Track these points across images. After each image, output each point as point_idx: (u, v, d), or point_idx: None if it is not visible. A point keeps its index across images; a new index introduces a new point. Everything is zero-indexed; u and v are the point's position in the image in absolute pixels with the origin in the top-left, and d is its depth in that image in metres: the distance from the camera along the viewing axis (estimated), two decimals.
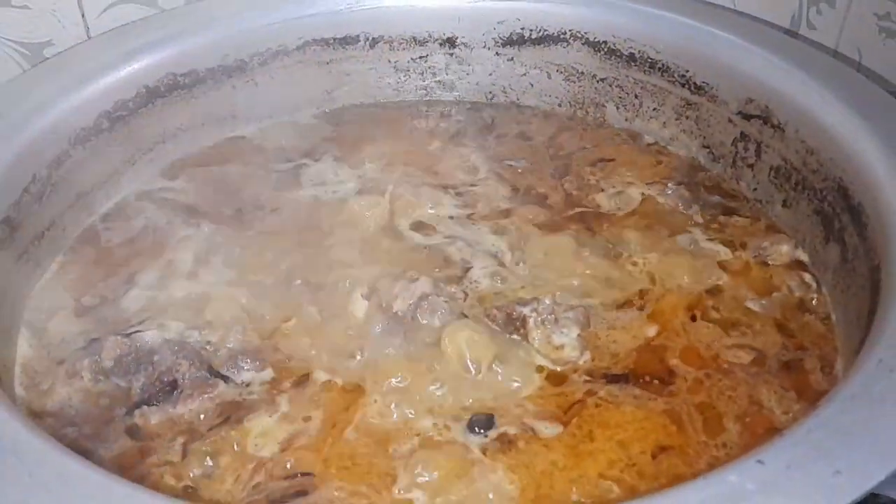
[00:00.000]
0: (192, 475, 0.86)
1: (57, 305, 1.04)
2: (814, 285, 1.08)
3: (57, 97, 1.11)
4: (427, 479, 0.85)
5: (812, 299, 1.06)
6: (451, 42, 1.37)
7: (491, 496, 0.83)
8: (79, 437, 0.90)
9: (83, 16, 1.26)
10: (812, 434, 0.71)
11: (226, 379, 0.95)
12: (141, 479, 0.85)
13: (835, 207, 1.06)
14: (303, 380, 0.95)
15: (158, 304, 1.04)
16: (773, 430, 0.90)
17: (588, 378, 0.95)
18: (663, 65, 1.27)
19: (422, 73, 1.39)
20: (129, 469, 0.86)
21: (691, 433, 0.90)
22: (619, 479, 0.85)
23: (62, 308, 1.04)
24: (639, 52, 1.28)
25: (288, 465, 0.87)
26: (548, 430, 0.90)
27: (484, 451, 0.88)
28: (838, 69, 1.16)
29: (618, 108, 1.34)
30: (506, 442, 0.89)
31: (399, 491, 0.84)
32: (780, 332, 1.02)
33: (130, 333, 0.99)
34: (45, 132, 1.08)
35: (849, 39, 1.27)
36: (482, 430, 0.90)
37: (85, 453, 0.86)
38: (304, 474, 0.86)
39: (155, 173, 1.24)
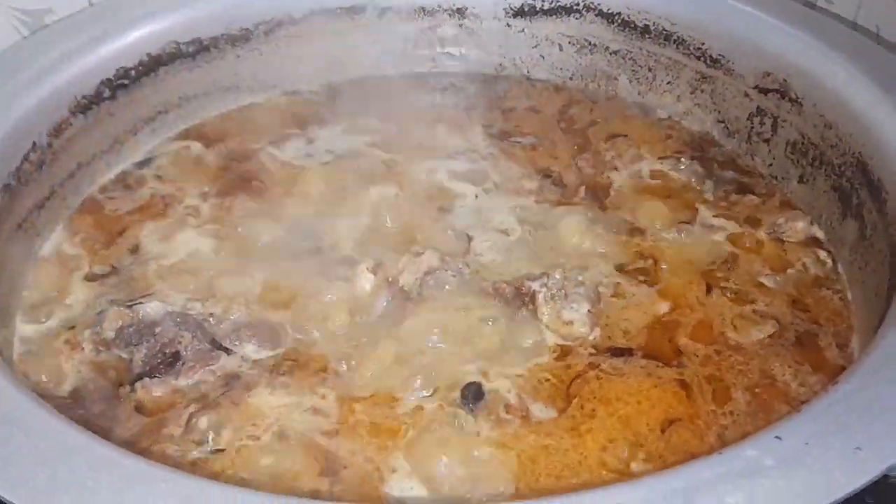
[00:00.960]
0: (194, 447, 0.85)
1: (57, 276, 1.03)
2: (829, 262, 1.06)
3: (57, 64, 1.09)
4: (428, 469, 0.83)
5: (827, 276, 1.04)
6: (460, 12, 1.34)
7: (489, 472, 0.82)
8: (81, 408, 0.88)
9: None
10: (831, 409, 0.69)
11: (228, 351, 0.93)
12: (145, 451, 0.84)
13: (853, 183, 1.04)
14: (306, 353, 0.94)
15: (160, 276, 1.02)
16: (785, 404, 0.88)
17: (594, 352, 0.94)
18: (678, 37, 1.24)
19: (430, 44, 1.36)
20: (132, 441, 0.85)
21: (701, 404, 0.88)
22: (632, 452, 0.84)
23: (62, 278, 1.02)
24: (653, 23, 1.25)
25: (291, 439, 0.85)
26: (549, 409, 0.88)
27: (481, 429, 0.86)
28: (858, 41, 1.13)
29: (631, 81, 1.31)
30: (503, 418, 0.87)
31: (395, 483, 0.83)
32: (795, 309, 0.99)
33: (132, 304, 0.97)
34: (46, 100, 1.06)
35: (867, 12, 1.23)
36: (472, 402, 0.88)
37: (87, 425, 0.84)
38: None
39: (158, 143, 1.22)
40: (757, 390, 0.90)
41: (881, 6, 1.20)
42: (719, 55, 1.21)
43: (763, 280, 1.03)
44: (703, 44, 1.22)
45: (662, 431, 0.85)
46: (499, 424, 0.86)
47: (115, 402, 0.89)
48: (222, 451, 0.84)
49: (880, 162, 0.99)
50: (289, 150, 1.22)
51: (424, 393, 0.89)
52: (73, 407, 0.88)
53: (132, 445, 0.84)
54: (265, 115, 1.29)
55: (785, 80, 1.13)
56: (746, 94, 1.19)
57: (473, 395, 0.88)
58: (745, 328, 0.97)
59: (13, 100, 1.03)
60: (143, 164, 1.19)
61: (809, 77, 1.10)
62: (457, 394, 0.89)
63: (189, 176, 1.17)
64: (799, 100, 1.12)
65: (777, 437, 0.66)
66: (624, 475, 0.81)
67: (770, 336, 0.96)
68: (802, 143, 1.13)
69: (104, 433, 0.84)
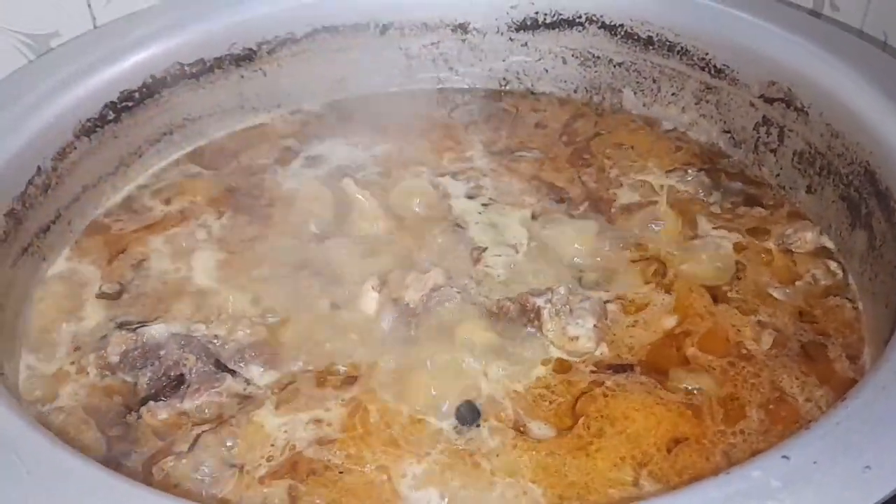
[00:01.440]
0: (201, 471, 0.84)
1: (62, 300, 1.03)
2: (840, 273, 1.05)
3: (61, 88, 1.09)
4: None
5: (838, 287, 1.02)
6: (463, 28, 1.33)
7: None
8: (85, 432, 0.88)
9: (89, 5, 1.24)
10: (840, 427, 0.67)
11: (233, 373, 0.93)
12: (150, 476, 0.83)
13: (861, 192, 1.02)
14: (312, 373, 0.93)
15: (165, 298, 1.02)
16: (797, 420, 0.87)
17: (596, 369, 0.93)
18: (682, 48, 1.23)
19: (434, 60, 1.36)
20: (138, 465, 0.85)
21: (709, 423, 0.87)
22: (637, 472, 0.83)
23: (67, 302, 1.02)
24: (657, 34, 1.25)
25: (295, 460, 0.85)
26: (553, 428, 0.87)
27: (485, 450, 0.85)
28: (864, 49, 1.12)
29: (635, 93, 1.31)
30: (505, 438, 0.86)
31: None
32: (805, 321, 0.98)
33: (136, 328, 0.97)
34: (50, 123, 1.06)
35: (874, 20, 1.23)
36: (469, 421, 0.87)
37: (90, 449, 0.85)
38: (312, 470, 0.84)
39: (163, 165, 1.23)
40: (770, 406, 0.89)
41: (888, 13, 1.19)
42: (724, 65, 1.20)
43: (772, 292, 1.02)
44: (707, 54, 1.21)
45: (668, 451, 0.84)
46: (501, 444, 0.85)
47: (121, 426, 0.88)
48: (228, 472, 0.84)
49: (888, 171, 0.98)
50: (294, 169, 1.21)
51: (430, 412, 0.88)
52: (76, 430, 0.87)
53: (138, 469, 0.84)
54: (270, 135, 1.29)
55: (790, 89, 1.12)
56: (752, 104, 1.18)
57: (469, 413, 0.88)
58: (755, 341, 0.96)
59: (17, 125, 1.03)
60: (148, 186, 1.19)
61: (814, 86, 1.09)
62: (456, 412, 0.88)
63: (194, 197, 1.16)
64: (805, 109, 1.11)
65: (784, 456, 0.65)
66: (631, 496, 0.80)
67: (780, 349, 0.94)
68: (809, 153, 1.11)
69: (107, 457, 0.84)
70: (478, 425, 0.87)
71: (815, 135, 1.10)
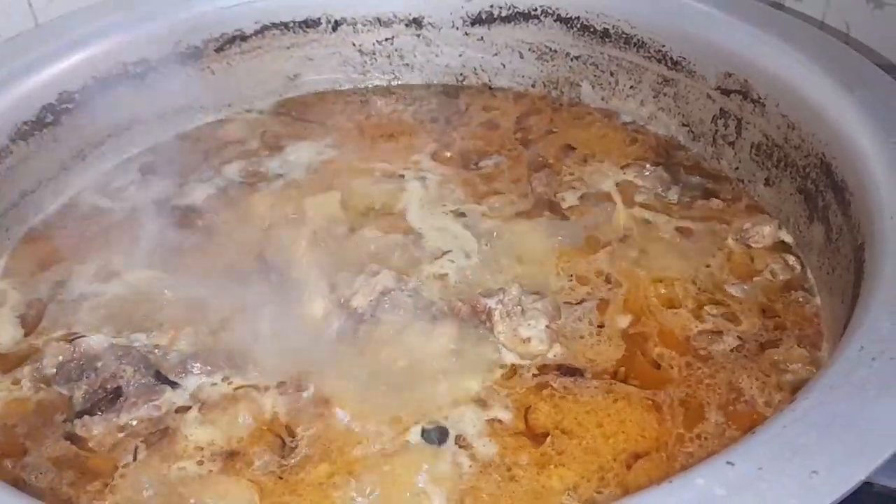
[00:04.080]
0: (136, 487, 0.81)
1: None
2: (798, 268, 1.02)
3: None
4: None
5: (797, 282, 1.00)
6: (417, 22, 1.31)
7: None
8: (15, 450, 0.84)
9: (30, 4, 1.21)
10: (787, 430, 0.65)
11: (173, 385, 0.90)
12: (81, 497, 0.80)
13: (818, 185, 1.00)
14: (256, 383, 0.90)
15: (105, 307, 0.99)
16: (756, 420, 0.85)
17: (551, 370, 0.90)
18: (639, 40, 1.21)
19: (388, 56, 1.33)
20: (69, 485, 0.81)
21: (671, 425, 0.85)
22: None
23: (2, 313, 0.99)
24: (613, 27, 1.22)
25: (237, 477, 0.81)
26: (506, 435, 0.84)
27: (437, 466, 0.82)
28: (823, 40, 1.09)
29: (593, 86, 1.28)
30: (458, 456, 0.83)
31: None
32: (764, 317, 0.96)
33: (73, 339, 0.93)
34: None
35: (836, 11, 1.21)
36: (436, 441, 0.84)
37: (21, 468, 0.82)
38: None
39: (107, 169, 1.19)
40: (729, 408, 0.86)
41: (850, 5, 1.17)
42: (680, 57, 1.18)
43: (730, 289, 0.99)
44: (663, 46, 1.19)
45: (628, 467, 0.81)
46: (454, 462, 0.82)
47: (53, 442, 0.85)
48: (165, 488, 0.81)
49: (844, 163, 0.95)
50: (241, 170, 1.18)
51: (378, 425, 0.85)
52: (6, 447, 0.84)
53: (67, 490, 0.80)
54: (220, 135, 1.25)
55: (746, 81, 1.10)
56: (709, 96, 1.16)
57: (437, 435, 0.84)
58: (712, 339, 0.94)
59: None
60: (91, 190, 1.16)
61: (770, 77, 1.07)
62: (415, 428, 0.85)
63: (138, 201, 1.13)
64: (761, 100, 1.09)
65: (729, 462, 0.62)
66: None
67: (737, 347, 0.92)
68: (767, 145, 1.09)
69: (36, 477, 0.81)
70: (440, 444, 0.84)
71: (773, 126, 1.08)
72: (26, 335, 0.96)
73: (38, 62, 1.10)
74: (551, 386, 0.88)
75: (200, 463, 0.83)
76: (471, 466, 0.82)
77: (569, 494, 0.79)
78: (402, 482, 0.80)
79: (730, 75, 1.12)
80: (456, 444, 0.83)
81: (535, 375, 0.90)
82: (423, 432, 0.84)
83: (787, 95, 1.05)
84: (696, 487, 0.61)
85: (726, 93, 1.13)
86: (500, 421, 0.86)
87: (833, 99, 0.99)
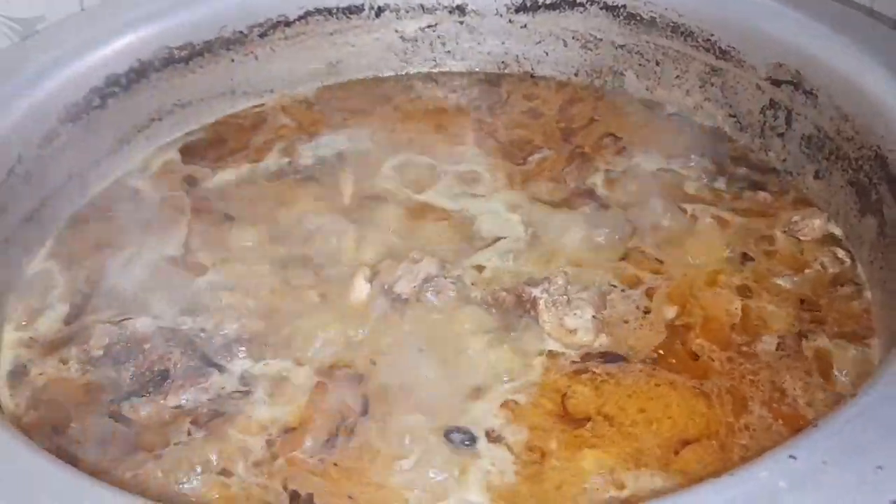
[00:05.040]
0: (183, 471, 0.81)
1: (45, 292, 1.00)
2: (848, 261, 1.01)
3: (44, 72, 1.06)
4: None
5: (846, 276, 0.99)
6: (460, 9, 1.30)
7: None
8: (65, 428, 0.85)
9: None
10: (849, 425, 0.64)
11: (220, 368, 0.90)
12: (130, 478, 0.80)
13: (871, 178, 0.99)
14: (301, 367, 0.90)
15: (152, 290, 0.99)
16: (801, 418, 0.84)
17: (599, 359, 0.89)
18: (686, 29, 1.19)
19: (430, 43, 1.32)
20: (115, 464, 0.81)
21: (720, 414, 0.84)
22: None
23: (51, 294, 0.99)
24: (660, 15, 1.21)
25: (284, 461, 0.82)
26: (550, 424, 0.84)
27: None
28: (875, 28, 1.08)
29: (638, 76, 1.27)
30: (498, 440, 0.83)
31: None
32: (813, 311, 0.94)
33: (121, 321, 0.94)
34: (33, 109, 1.04)
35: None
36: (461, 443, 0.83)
37: (70, 446, 0.82)
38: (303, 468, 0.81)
39: (151, 151, 1.19)
40: (773, 404, 0.85)
41: None
42: (729, 46, 1.16)
43: (779, 281, 0.98)
44: (712, 35, 1.17)
45: (676, 453, 0.81)
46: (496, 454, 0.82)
47: (101, 421, 0.85)
48: (214, 471, 0.81)
49: None
50: (282, 156, 1.18)
51: (419, 417, 0.85)
52: (56, 426, 0.85)
53: (115, 470, 0.81)
54: (263, 121, 1.25)
55: (798, 71, 1.08)
56: (758, 87, 1.14)
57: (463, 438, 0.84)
58: (760, 331, 0.92)
59: None
60: (136, 173, 1.16)
61: (824, 67, 1.05)
62: (450, 426, 0.84)
63: (183, 184, 1.13)
64: (813, 91, 1.07)
65: (791, 456, 0.61)
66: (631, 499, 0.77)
67: (783, 342, 0.91)
68: (818, 137, 1.08)
69: (87, 455, 0.81)
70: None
71: (825, 118, 1.06)
72: (73, 316, 0.97)
73: (86, 46, 1.11)
74: (593, 371, 0.88)
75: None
76: (507, 452, 0.82)
77: (603, 476, 0.79)
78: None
79: (781, 65, 1.11)
80: (488, 437, 0.83)
81: (578, 362, 0.90)
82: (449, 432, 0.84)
83: (841, 86, 1.03)
84: (759, 480, 0.60)
85: (777, 83, 1.12)
86: (541, 405, 0.85)
87: (889, 90, 0.98)
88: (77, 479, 0.65)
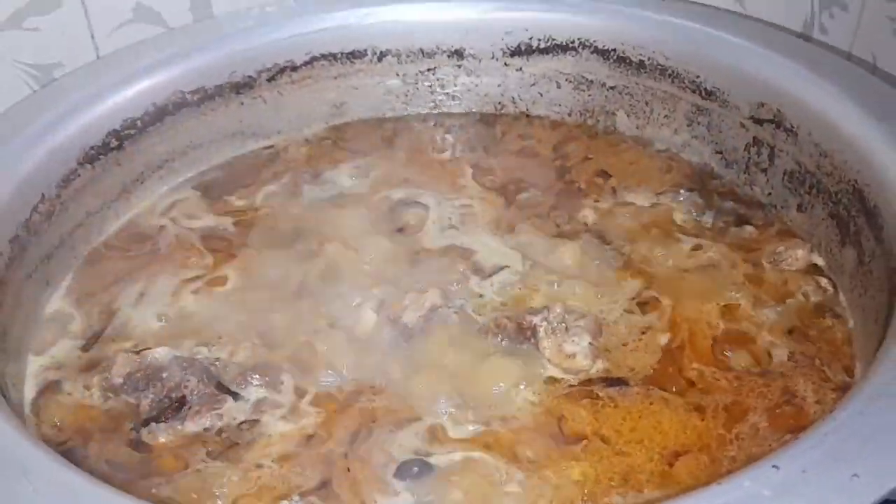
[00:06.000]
0: (198, 492, 0.85)
1: (67, 324, 1.05)
2: (830, 289, 1.06)
3: (65, 117, 1.11)
4: None
5: (829, 304, 1.04)
6: (459, 54, 1.36)
7: None
8: (88, 454, 0.89)
9: (92, 36, 1.27)
10: (829, 437, 0.69)
11: (235, 395, 0.95)
12: (148, 497, 0.84)
13: (850, 210, 1.04)
14: (312, 394, 0.95)
15: (168, 321, 1.04)
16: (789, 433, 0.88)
17: (596, 383, 0.94)
18: (673, 71, 1.26)
19: (430, 86, 1.38)
20: (135, 485, 0.85)
21: (713, 432, 0.89)
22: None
23: (72, 326, 1.04)
24: (648, 58, 1.27)
25: (298, 479, 0.86)
26: (551, 443, 0.89)
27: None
28: (851, 71, 1.14)
29: (628, 115, 1.33)
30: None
31: None
32: (797, 339, 0.99)
33: (140, 350, 0.98)
34: (54, 151, 1.09)
35: (863, 43, 1.25)
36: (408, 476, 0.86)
37: (93, 470, 0.86)
38: (317, 489, 0.85)
39: (165, 191, 1.25)
40: (763, 424, 0.90)
41: (876, 35, 1.22)
42: (714, 87, 1.22)
43: (765, 311, 1.03)
44: (697, 76, 1.23)
45: (670, 465, 0.85)
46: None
47: (122, 446, 0.90)
48: (229, 493, 0.85)
49: (876, 189, 1.00)
50: (293, 194, 1.23)
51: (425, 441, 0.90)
52: (79, 451, 0.89)
53: (138, 490, 0.85)
54: (270, 160, 1.31)
55: (779, 110, 1.15)
56: (742, 125, 1.20)
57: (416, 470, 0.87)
58: (748, 358, 0.97)
59: (23, 153, 1.05)
60: (150, 211, 1.21)
61: (803, 107, 1.11)
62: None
63: (196, 222, 1.19)
64: (794, 129, 1.13)
65: (774, 465, 0.66)
66: None
67: (770, 367, 0.96)
68: (799, 172, 1.13)
69: (109, 478, 0.85)
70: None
71: (805, 154, 1.12)
72: (92, 347, 1.01)
73: (104, 91, 1.16)
74: (594, 395, 0.93)
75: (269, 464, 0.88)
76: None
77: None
78: None
79: (762, 105, 1.17)
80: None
81: (577, 386, 0.94)
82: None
83: (819, 124, 1.09)
84: (743, 489, 0.65)
85: (759, 122, 1.18)
86: (539, 427, 0.90)
87: (864, 128, 1.04)
88: (115, 496, 0.69)
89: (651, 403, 0.92)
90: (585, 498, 0.83)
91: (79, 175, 1.12)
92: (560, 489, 0.84)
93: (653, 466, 0.85)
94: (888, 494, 0.64)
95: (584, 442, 0.88)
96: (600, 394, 0.93)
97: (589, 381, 0.95)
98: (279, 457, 0.88)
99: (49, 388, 0.97)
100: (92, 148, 1.13)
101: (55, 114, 1.11)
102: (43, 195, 1.06)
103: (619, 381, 0.94)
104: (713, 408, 0.91)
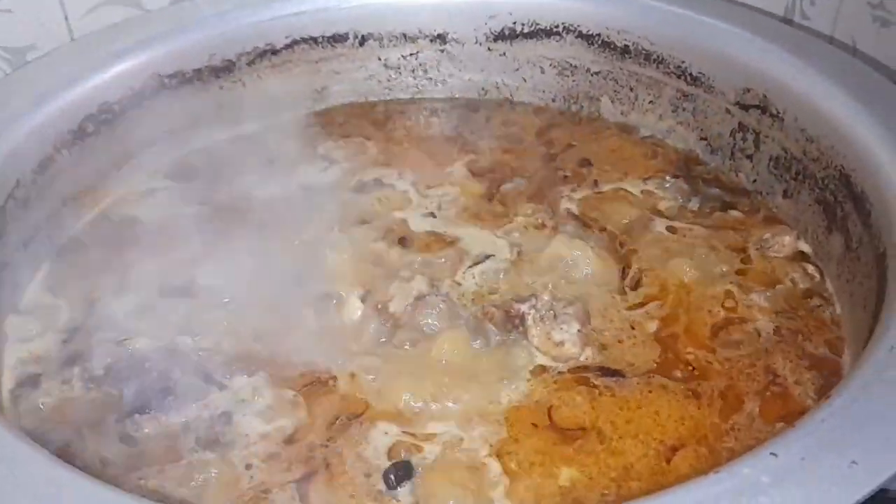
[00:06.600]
0: (185, 483, 0.84)
1: (44, 314, 1.02)
2: (817, 276, 1.06)
3: (40, 101, 1.09)
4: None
5: (816, 290, 1.04)
6: (441, 38, 1.34)
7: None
8: (70, 446, 0.87)
9: (66, 18, 1.24)
10: (825, 424, 0.69)
11: (219, 385, 0.93)
12: (136, 488, 0.83)
13: (837, 196, 1.04)
14: (297, 384, 0.93)
15: (149, 311, 1.01)
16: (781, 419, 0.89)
17: (586, 371, 0.94)
18: (658, 56, 1.25)
19: (413, 71, 1.37)
20: (123, 477, 0.84)
21: (708, 417, 0.89)
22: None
23: (49, 317, 1.02)
24: (633, 44, 1.26)
25: (282, 470, 0.85)
26: (544, 434, 0.88)
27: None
28: (836, 55, 1.14)
29: (613, 101, 1.32)
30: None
31: None
32: (785, 324, 0.99)
33: (121, 341, 0.96)
34: (29, 136, 1.06)
35: (843, 29, 1.25)
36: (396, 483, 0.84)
37: (76, 462, 0.84)
38: (301, 479, 0.84)
39: (143, 177, 1.22)
40: (757, 410, 0.90)
41: (856, 21, 1.22)
42: (699, 72, 1.22)
43: (753, 297, 1.03)
44: (682, 62, 1.23)
45: (667, 461, 0.85)
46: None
47: (105, 438, 0.87)
48: (213, 483, 0.84)
49: (863, 174, 1.00)
50: (273, 181, 1.21)
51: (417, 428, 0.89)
52: (61, 443, 0.87)
53: (124, 482, 0.83)
54: (249, 146, 1.28)
55: (765, 96, 1.14)
56: (728, 111, 1.20)
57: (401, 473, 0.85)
58: (737, 345, 0.97)
59: None
60: (129, 198, 1.19)
61: (789, 92, 1.11)
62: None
63: (175, 209, 1.16)
64: (780, 115, 1.13)
65: (772, 453, 0.66)
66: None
67: (758, 353, 0.96)
68: (785, 158, 1.13)
69: (92, 470, 0.83)
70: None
71: (791, 140, 1.12)
72: (72, 338, 0.99)
73: (80, 74, 1.13)
74: (589, 383, 0.92)
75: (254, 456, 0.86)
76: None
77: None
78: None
79: (748, 90, 1.16)
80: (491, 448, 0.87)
81: (566, 374, 0.94)
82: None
83: (804, 109, 1.09)
84: (742, 476, 0.64)
85: (745, 107, 1.18)
86: (529, 417, 0.89)
87: (849, 112, 1.04)
88: (99, 488, 0.67)
89: (650, 392, 0.91)
90: (577, 490, 0.82)
91: (55, 161, 1.09)
92: (548, 481, 0.83)
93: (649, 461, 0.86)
94: (885, 483, 0.64)
95: (577, 432, 0.87)
96: (596, 382, 0.92)
97: (579, 369, 0.94)
98: (263, 449, 0.87)
99: (28, 380, 0.94)
100: (69, 132, 1.11)
101: (30, 97, 1.09)
102: (18, 181, 1.03)
103: (610, 371, 0.94)
104: (708, 394, 0.91)
